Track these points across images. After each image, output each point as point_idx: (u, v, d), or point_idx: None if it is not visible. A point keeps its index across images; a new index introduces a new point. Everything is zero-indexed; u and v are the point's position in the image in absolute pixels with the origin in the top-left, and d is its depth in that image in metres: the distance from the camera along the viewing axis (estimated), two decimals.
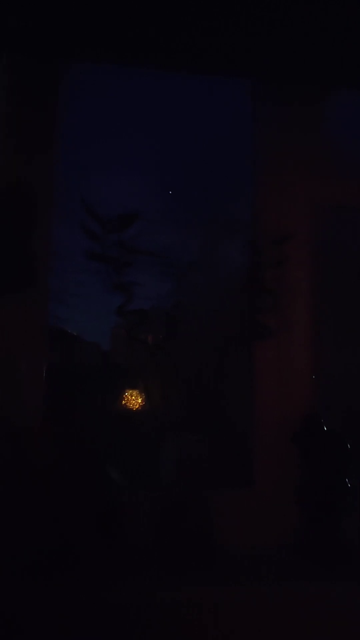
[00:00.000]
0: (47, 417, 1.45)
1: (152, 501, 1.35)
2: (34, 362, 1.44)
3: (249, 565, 1.33)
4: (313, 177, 1.61)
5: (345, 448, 1.40)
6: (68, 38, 1.49)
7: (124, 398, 1.60)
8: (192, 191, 1.68)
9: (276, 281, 1.49)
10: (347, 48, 1.52)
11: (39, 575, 1.16)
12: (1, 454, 1.25)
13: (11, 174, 1.47)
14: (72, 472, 1.27)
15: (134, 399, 1.60)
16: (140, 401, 1.61)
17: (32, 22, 1.42)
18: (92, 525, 1.23)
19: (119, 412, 1.59)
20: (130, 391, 1.60)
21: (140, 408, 1.61)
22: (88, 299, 1.54)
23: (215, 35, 1.49)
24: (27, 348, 1.43)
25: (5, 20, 1.40)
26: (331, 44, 1.51)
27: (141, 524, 1.32)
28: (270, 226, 1.56)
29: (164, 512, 1.33)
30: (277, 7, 1.49)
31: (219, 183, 1.69)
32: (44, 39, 1.48)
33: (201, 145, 1.67)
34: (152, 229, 1.50)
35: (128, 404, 1.60)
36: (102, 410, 1.55)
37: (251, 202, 1.60)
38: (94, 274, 1.44)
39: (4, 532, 1.19)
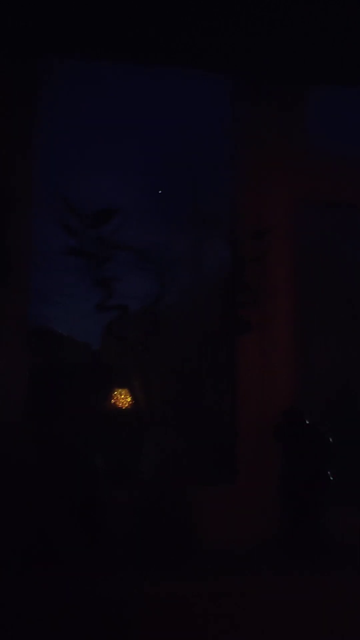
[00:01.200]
0: (28, 414, 1.45)
1: (134, 497, 1.34)
2: (14, 361, 1.43)
3: (230, 560, 1.33)
4: (293, 174, 1.61)
5: (327, 441, 1.41)
6: (45, 36, 1.48)
7: (106, 395, 1.59)
8: (173, 188, 1.68)
9: (257, 276, 1.49)
10: (326, 45, 1.53)
11: (20, 571, 1.15)
12: None
13: None
14: (52, 468, 1.26)
15: (115, 396, 1.60)
16: (121, 398, 1.60)
17: (6, 20, 1.41)
18: (73, 522, 1.22)
19: (100, 409, 1.58)
20: (112, 388, 1.59)
21: (121, 405, 1.60)
22: (72, 296, 1.53)
23: (196, 33, 1.49)
24: (7, 347, 1.42)
25: None
26: (310, 42, 1.52)
27: (123, 519, 1.32)
28: (251, 222, 1.56)
29: (145, 508, 1.32)
30: (257, 7, 1.50)
31: (200, 179, 1.69)
32: (20, 37, 1.47)
33: (182, 142, 1.68)
34: (132, 225, 1.50)
35: (109, 401, 1.60)
36: (83, 407, 1.55)
37: (232, 198, 1.61)
38: (75, 271, 1.44)
39: None
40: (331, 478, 1.39)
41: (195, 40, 1.51)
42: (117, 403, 1.60)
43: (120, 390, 1.60)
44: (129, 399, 1.55)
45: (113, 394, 1.60)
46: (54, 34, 1.48)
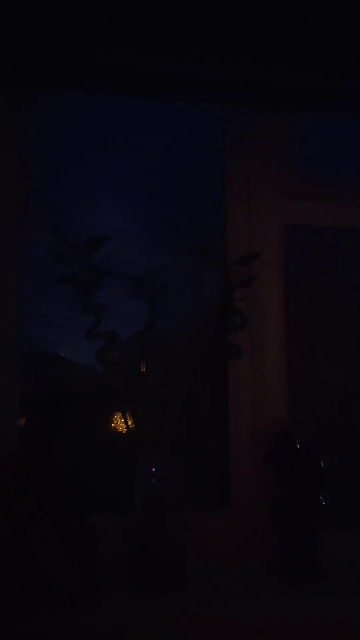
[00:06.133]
0: (20, 438, 1.45)
1: (127, 523, 1.33)
2: (5, 384, 1.44)
3: (224, 586, 1.32)
4: (282, 199, 1.63)
5: (319, 465, 1.40)
6: (38, 68, 1.51)
7: (99, 419, 1.60)
8: (165, 214, 1.70)
9: (247, 301, 1.50)
10: (315, 72, 1.57)
11: (8, 604, 1.14)
12: None
13: None
14: (43, 494, 1.26)
15: (108, 421, 1.60)
16: (114, 423, 1.60)
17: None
18: (63, 551, 1.22)
19: (93, 433, 1.59)
20: (105, 412, 1.60)
21: (114, 429, 1.60)
22: (68, 320, 1.54)
23: (183, 61, 1.53)
24: None
25: None
26: (299, 68, 1.56)
27: (114, 547, 1.31)
28: (240, 247, 1.58)
29: (138, 534, 1.32)
30: (244, 34, 1.54)
31: (191, 205, 1.71)
32: (13, 69, 1.51)
33: (173, 169, 1.70)
34: (124, 252, 1.51)
35: (102, 425, 1.60)
36: (76, 431, 1.55)
37: (221, 224, 1.62)
38: (68, 296, 1.45)
39: None
40: (324, 503, 1.38)
41: (184, 69, 1.54)
42: (110, 428, 1.61)
43: (113, 414, 1.61)
44: (122, 424, 1.55)
45: (106, 419, 1.61)
46: (46, 66, 1.51)
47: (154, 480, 1.36)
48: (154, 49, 1.50)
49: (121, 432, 1.59)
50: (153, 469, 1.36)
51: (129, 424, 1.43)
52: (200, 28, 1.52)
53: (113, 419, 1.62)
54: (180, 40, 1.51)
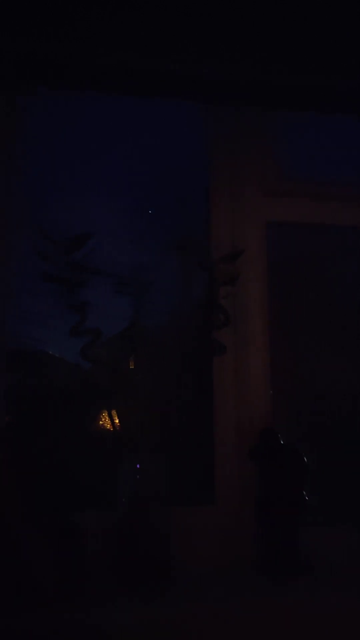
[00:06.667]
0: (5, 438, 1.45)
1: (111, 520, 1.34)
2: None
3: (209, 581, 1.33)
4: (265, 197, 1.64)
5: (302, 461, 1.41)
6: (22, 68, 1.51)
7: (84, 416, 1.60)
8: (150, 212, 1.71)
9: (231, 298, 1.50)
10: (300, 72, 1.58)
11: None
12: None
13: None
14: (28, 493, 1.26)
15: (93, 418, 1.60)
16: (100, 420, 1.61)
17: None
18: (47, 549, 1.22)
19: (78, 430, 1.59)
20: (90, 410, 1.60)
21: (99, 427, 1.61)
22: (54, 318, 1.54)
23: (169, 59, 1.53)
24: None
25: None
26: (283, 67, 1.57)
27: (97, 543, 1.31)
28: (224, 244, 1.58)
29: (123, 530, 1.32)
30: (229, 33, 1.54)
31: (176, 203, 1.72)
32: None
33: (158, 167, 1.70)
34: (109, 249, 1.52)
35: (88, 423, 1.60)
36: (61, 429, 1.55)
37: (206, 221, 1.63)
38: (54, 294, 1.45)
39: None
40: (307, 498, 1.39)
41: (170, 69, 1.55)
42: (95, 425, 1.61)
43: (98, 411, 1.61)
44: (107, 421, 1.56)
45: (91, 416, 1.61)
46: (32, 65, 1.51)
47: (138, 476, 1.37)
48: (151, 48, 1.50)
49: (106, 428, 1.59)
50: (138, 466, 1.37)
51: (115, 420, 1.43)
52: (193, 27, 1.52)
53: (99, 416, 1.62)
54: (178, 40, 1.51)
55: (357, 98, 1.65)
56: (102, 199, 1.66)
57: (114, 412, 1.44)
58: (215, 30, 1.53)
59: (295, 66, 1.58)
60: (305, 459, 1.42)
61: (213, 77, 1.58)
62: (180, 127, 1.74)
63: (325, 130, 1.77)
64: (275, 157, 1.69)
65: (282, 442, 1.43)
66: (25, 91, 1.59)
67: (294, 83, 1.60)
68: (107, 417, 1.52)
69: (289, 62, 1.57)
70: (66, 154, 1.67)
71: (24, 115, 1.59)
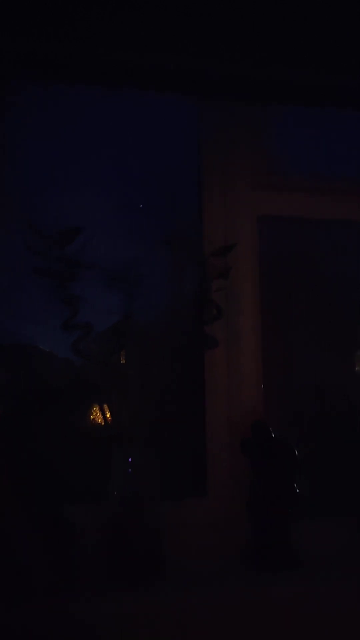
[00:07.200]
0: None
1: (103, 513, 1.34)
2: None
3: (200, 574, 1.33)
4: (256, 191, 1.64)
5: (293, 454, 1.42)
6: (10, 59, 1.50)
7: (75, 411, 1.60)
8: (142, 206, 1.70)
9: (223, 292, 1.51)
10: (292, 65, 1.58)
11: None
12: None
13: None
14: (18, 487, 1.26)
15: (85, 412, 1.60)
16: (91, 414, 1.61)
17: None
18: (40, 543, 1.22)
19: (69, 425, 1.59)
20: (81, 404, 1.60)
21: (91, 421, 1.61)
22: (46, 313, 1.54)
23: (162, 52, 1.53)
24: None
25: None
26: (275, 62, 1.56)
27: (92, 537, 1.32)
28: (216, 239, 1.58)
29: (115, 523, 1.32)
30: (222, 28, 1.54)
31: (168, 197, 1.72)
32: None
33: (150, 161, 1.70)
34: (101, 243, 1.51)
35: (79, 417, 1.60)
36: (52, 424, 1.55)
37: (197, 215, 1.63)
38: (46, 289, 1.45)
39: None
40: (298, 491, 1.40)
41: (161, 63, 1.54)
42: (87, 419, 1.61)
43: (90, 406, 1.61)
44: (98, 416, 1.56)
45: (82, 411, 1.61)
46: (20, 57, 1.50)
47: (130, 470, 1.37)
48: (143, 42, 1.50)
49: (98, 423, 1.59)
50: (130, 460, 1.37)
51: (106, 415, 1.43)
52: (185, 20, 1.51)
53: (90, 410, 1.62)
54: (169, 34, 1.50)
55: (348, 92, 1.65)
56: (94, 193, 1.65)
57: (105, 407, 1.44)
58: (206, 24, 1.53)
59: (286, 61, 1.57)
60: (297, 452, 1.42)
61: (204, 72, 1.58)
62: (172, 121, 1.74)
63: (317, 124, 1.77)
64: (266, 152, 1.69)
65: (273, 436, 1.44)
66: (15, 85, 1.58)
67: (285, 77, 1.60)
68: (98, 412, 1.52)
69: (281, 56, 1.57)
70: (57, 149, 1.66)
71: (13, 110, 1.58)
